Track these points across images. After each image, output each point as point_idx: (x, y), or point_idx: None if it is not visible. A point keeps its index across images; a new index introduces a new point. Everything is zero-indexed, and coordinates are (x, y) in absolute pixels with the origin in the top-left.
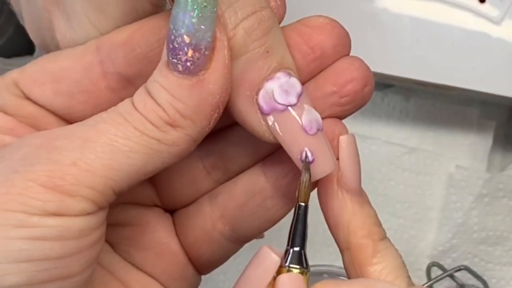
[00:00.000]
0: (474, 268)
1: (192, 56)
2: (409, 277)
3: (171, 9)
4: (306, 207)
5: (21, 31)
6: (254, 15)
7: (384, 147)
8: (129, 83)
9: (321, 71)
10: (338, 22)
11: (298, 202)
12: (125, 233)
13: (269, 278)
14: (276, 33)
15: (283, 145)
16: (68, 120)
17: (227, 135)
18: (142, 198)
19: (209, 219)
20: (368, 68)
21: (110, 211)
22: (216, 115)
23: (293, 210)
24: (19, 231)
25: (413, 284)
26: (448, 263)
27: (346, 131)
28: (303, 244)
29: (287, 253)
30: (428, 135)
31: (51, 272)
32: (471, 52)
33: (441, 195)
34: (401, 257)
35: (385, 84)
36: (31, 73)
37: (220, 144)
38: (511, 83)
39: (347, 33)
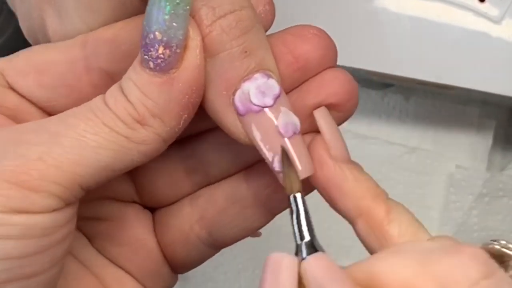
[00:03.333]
0: None
1: (163, 53)
2: (424, 226)
3: None
4: (301, 195)
5: (20, 31)
6: (233, 14)
7: (384, 147)
8: (111, 80)
9: (304, 82)
10: (326, 33)
11: (290, 193)
12: (102, 227)
13: (296, 280)
14: (257, 34)
15: (257, 147)
16: (50, 112)
17: (209, 138)
18: (121, 194)
19: (187, 220)
20: (353, 82)
21: (88, 205)
22: (186, 115)
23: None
24: None
25: (428, 233)
26: None
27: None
28: (312, 233)
29: (299, 249)
30: (428, 134)
31: (13, 271)
32: (471, 52)
33: (441, 195)
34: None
35: (385, 83)
36: (17, 63)
37: (202, 147)
38: (511, 82)
39: (334, 45)
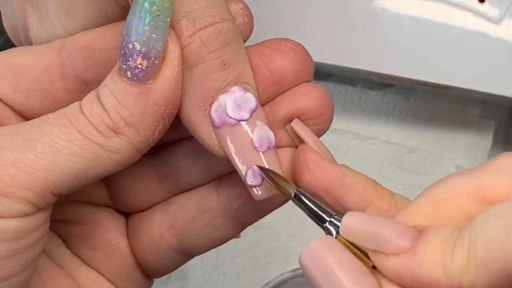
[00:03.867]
0: None
1: (141, 64)
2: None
3: None
4: (297, 190)
5: None
6: (213, 26)
7: (384, 147)
8: (86, 86)
9: (278, 96)
10: (302, 47)
11: (288, 196)
12: (75, 230)
13: (347, 252)
14: (237, 47)
15: (231, 160)
16: (25, 116)
17: (182, 147)
18: (95, 198)
19: (158, 228)
20: (327, 96)
21: (62, 208)
22: (161, 126)
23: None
24: None
25: None
26: None
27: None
28: (328, 213)
29: (327, 231)
30: (428, 135)
31: None
32: (471, 52)
33: None
34: None
35: (385, 84)
36: None
37: (175, 156)
38: (511, 83)
39: (311, 59)
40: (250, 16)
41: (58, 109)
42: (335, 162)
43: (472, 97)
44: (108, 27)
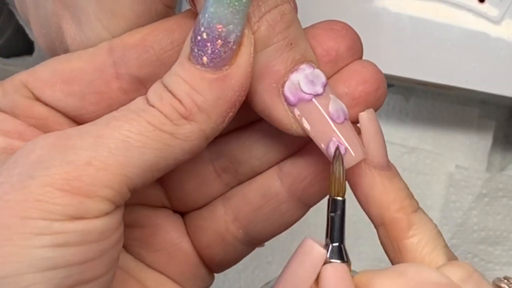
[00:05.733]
0: None
1: (219, 49)
2: (446, 246)
3: (184, 11)
4: (343, 201)
5: (20, 31)
6: (277, 9)
7: None
8: (141, 84)
9: (335, 74)
10: (351, 27)
11: (332, 196)
12: (135, 234)
13: (317, 272)
14: (298, 26)
15: (311, 135)
16: (79, 121)
17: (237, 138)
18: (152, 199)
19: (222, 222)
20: (380, 71)
21: None
22: (231, 113)
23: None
24: (41, 239)
25: (451, 253)
26: None
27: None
28: (342, 238)
29: (327, 247)
30: (428, 135)
31: (76, 277)
32: (471, 52)
33: (441, 195)
34: (436, 226)
35: None
36: (41, 75)
37: (230, 147)
38: (511, 83)
39: (359, 37)
40: (294, 1)
41: (113, 110)
42: (383, 167)
43: (472, 97)
44: (157, 24)
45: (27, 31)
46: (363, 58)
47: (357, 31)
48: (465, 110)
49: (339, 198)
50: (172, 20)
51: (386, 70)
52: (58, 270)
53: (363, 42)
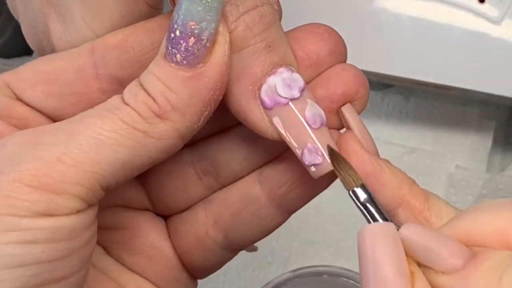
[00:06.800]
0: None
1: (192, 46)
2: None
3: (166, 13)
4: (362, 185)
5: (20, 32)
6: (256, 10)
7: (384, 147)
8: (121, 85)
9: (315, 78)
10: (334, 30)
11: (349, 190)
12: (116, 236)
13: (401, 245)
14: (278, 29)
15: (286, 140)
16: (58, 121)
17: (218, 140)
18: (133, 202)
19: (202, 226)
20: (361, 74)
21: (100, 214)
22: (207, 112)
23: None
24: (9, 235)
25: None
26: None
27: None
28: (385, 217)
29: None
30: (428, 135)
31: (44, 275)
32: (471, 52)
33: (441, 195)
34: None
35: (385, 84)
36: (24, 75)
37: (212, 150)
38: (511, 83)
39: (343, 41)
40: (278, 3)
41: None
42: (377, 155)
43: (472, 97)
44: (138, 25)
45: None
46: (366, 58)
47: (357, 31)
48: (465, 110)
49: (356, 188)
50: (153, 21)
51: (386, 70)
52: (26, 268)
53: (363, 42)
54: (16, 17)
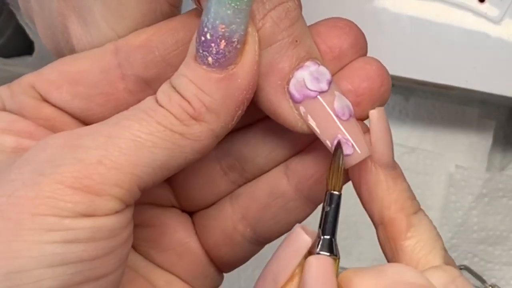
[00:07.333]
0: (474, 268)
1: (224, 49)
2: (444, 249)
3: (188, 11)
4: (339, 196)
5: (20, 31)
6: (281, 6)
7: None
8: (147, 85)
9: (339, 71)
10: (355, 24)
11: (329, 190)
12: (144, 234)
13: (299, 258)
14: (302, 24)
15: (316, 133)
16: (86, 122)
17: (243, 136)
18: (160, 199)
19: (230, 221)
20: (384, 68)
21: None
22: (240, 112)
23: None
24: (52, 235)
25: (448, 257)
26: None
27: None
28: (334, 232)
29: (318, 240)
30: (428, 134)
31: (85, 273)
32: (471, 52)
33: (441, 195)
34: (435, 229)
35: None
36: (48, 76)
37: (236, 145)
38: (511, 83)
39: (363, 34)
40: None
41: (120, 111)
42: (388, 166)
43: (472, 97)
44: (161, 25)
45: (27, 31)
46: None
47: None
48: (465, 110)
49: (336, 192)
50: (176, 19)
51: None
52: (68, 266)
53: None
54: (28, 19)
